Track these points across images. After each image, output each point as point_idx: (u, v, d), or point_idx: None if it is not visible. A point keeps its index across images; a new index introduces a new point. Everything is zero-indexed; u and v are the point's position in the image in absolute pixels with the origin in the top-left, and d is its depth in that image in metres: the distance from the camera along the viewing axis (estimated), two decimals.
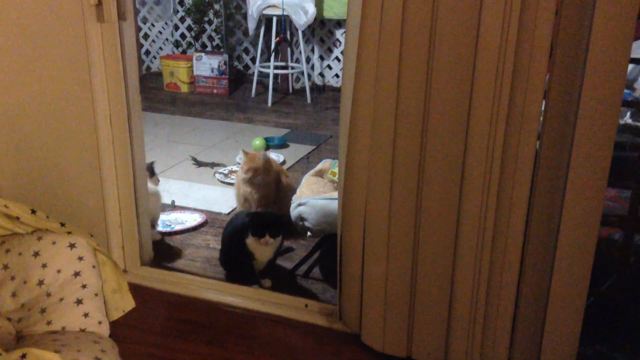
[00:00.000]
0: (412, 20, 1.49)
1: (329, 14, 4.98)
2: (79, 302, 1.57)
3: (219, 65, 5.13)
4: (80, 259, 1.62)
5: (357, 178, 1.70)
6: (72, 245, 1.62)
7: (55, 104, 2.05)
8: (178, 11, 5.68)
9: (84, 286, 1.60)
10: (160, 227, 2.67)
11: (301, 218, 2.56)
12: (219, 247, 2.46)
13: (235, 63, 5.63)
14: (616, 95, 1.41)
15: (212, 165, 3.52)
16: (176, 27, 5.75)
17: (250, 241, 2.16)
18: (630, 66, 2.46)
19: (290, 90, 5.26)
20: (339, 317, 1.96)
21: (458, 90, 1.51)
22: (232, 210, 2.88)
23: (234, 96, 5.20)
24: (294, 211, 2.58)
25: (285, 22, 4.75)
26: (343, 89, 1.69)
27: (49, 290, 1.56)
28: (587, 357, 1.73)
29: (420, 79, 1.53)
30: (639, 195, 1.78)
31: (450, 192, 1.60)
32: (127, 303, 1.81)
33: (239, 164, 3.50)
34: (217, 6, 5.47)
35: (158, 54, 5.77)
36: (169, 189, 3.13)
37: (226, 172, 3.37)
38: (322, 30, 5.27)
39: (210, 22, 5.58)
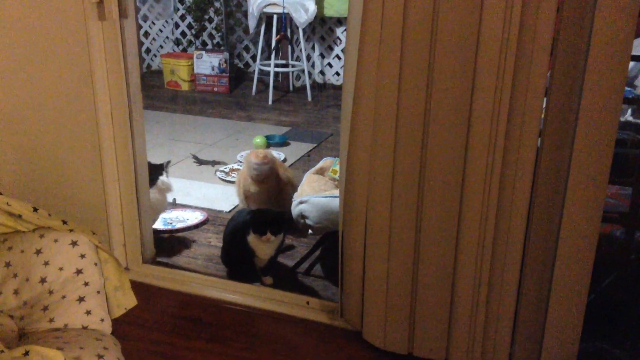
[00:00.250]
0: (413, 17, 1.49)
1: (329, 11, 4.98)
2: (81, 299, 1.57)
3: (219, 64, 5.13)
4: (82, 256, 1.63)
5: (358, 176, 1.70)
6: (74, 243, 1.62)
7: (57, 102, 2.05)
8: (178, 9, 5.68)
9: (86, 284, 1.61)
10: (161, 225, 2.67)
11: (302, 216, 2.56)
12: (221, 244, 2.47)
13: (236, 61, 5.63)
14: (617, 92, 1.41)
15: (213, 163, 3.52)
16: (177, 25, 5.75)
17: (252, 238, 2.17)
18: (631, 64, 2.46)
19: (291, 88, 5.26)
20: (341, 314, 1.96)
21: (459, 88, 1.51)
22: (234, 208, 2.88)
23: (235, 94, 5.20)
24: (295, 209, 2.58)
25: (285, 20, 4.75)
26: (344, 86, 1.69)
27: (51, 287, 1.56)
28: (588, 354, 1.73)
29: (422, 76, 1.53)
30: None
31: (451, 190, 1.61)
32: (129, 300, 1.81)
33: (240, 162, 3.51)
34: (217, 4, 5.47)
35: (158, 52, 5.77)
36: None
37: (227, 170, 3.37)
38: (322, 28, 5.26)
39: (210, 20, 5.58)
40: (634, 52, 1.42)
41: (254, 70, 5.13)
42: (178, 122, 4.40)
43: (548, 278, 1.59)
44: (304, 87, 5.07)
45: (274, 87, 4.88)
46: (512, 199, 1.57)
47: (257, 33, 5.05)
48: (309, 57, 5.25)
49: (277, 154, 3.60)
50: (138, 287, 1.93)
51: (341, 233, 1.84)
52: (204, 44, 5.64)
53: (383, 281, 1.75)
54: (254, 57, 5.48)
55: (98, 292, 1.64)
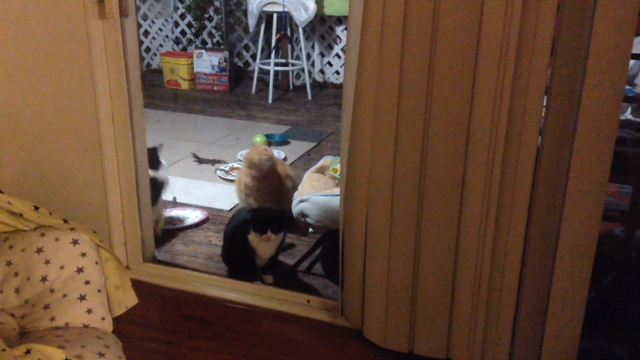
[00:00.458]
0: (414, 16, 1.49)
1: (329, 10, 4.98)
2: (82, 298, 1.58)
3: (219, 62, 5.13)
4: (83, 255, 1.63)
5: (359, 174, 1.70)
6: (75, 242, 1.63)
7: (58, 101, 2.05)
8: (178, 8, 5.68)
9: (87, 282, 1.61)
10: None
11: (303, 214, 2.56)
12: (221, 243, 2.47)
13: (236, 60, 5.63)
14: (617, 91, 1.41)
15: (213, 162, 3.52)
16: (176, 24, 5.74)
17: (252, 237, 2.17)
18: (631, 62, 2.46)
19: (291, 87, 5.26)
20: (341, 313, 1.97)
21: (460, 86, 1.52)
22: (234, 207, 2.88)
23: (235, 93, 5.20)
24: (296, 208, 2.58)
25: (285, 18, 4.75)
26: (345, 85, 1.69)
27: (52, 286, 1.56)
28: (588, 352, 1.73)
29: (422, 75, 1.53)
30: None
31: (452, 188, 1.61)
32: (129, 299, 1.81)
33: (240, 160, 3.51)
34: (217, 3, 5.46)
35: (158, 51, 5.77)
36: (170, 185, 3.13)
37: (227, 168, 3.37)
38: (322, 26, 5.26)
39: (210, 19, 5.57)
40: (634, 51, 1.42)
41: (254, 69, 5.13)
42: (178, 121, 4.40)
43: (548, 276, 1.59)
44: (303, 86, 5.08)
45: (274, 86, 4.89)
46: (512, 197, 1.57)
47: (257, 32, 5.05)
48: (308, 56, 5.25)
49: (278, 152, 3.60)
50: (139, 286, 1.93)
51: (342, 231, 1.84)
52: (204, 42, 5.64)
53: (383, 279, 1.75)
54: (253, 56, 5.48)
55: (99, 290, 1.64)
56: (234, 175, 3.26)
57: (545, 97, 1.50)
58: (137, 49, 2.07)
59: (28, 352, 1.22)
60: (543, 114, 1.51)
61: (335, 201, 2.39)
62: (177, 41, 5.78)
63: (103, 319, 1.61)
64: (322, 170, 2.90)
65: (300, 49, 5.01)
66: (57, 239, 1.59)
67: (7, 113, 2.10)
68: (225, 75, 5.16)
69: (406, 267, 1.72)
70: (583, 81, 1.41)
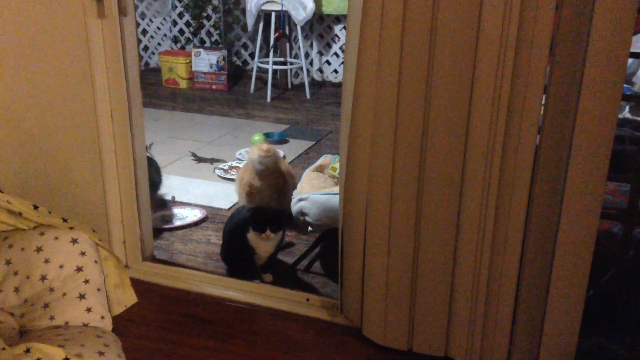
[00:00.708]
0: (413, 15, 1.49)
1: (327, 9, 4.98)
2: (81, 297, 1.57)
3: (217, 61, 5.13)
4: (83, 254, 1.63)
5: (358, 172, 1.70)
6: (74, 241, 1.63)
7: (57, 100, 2.05)
8: (176, 7, 5.67)
9: (86, 281, 1.61)
10: (160, 223, 2.68)
11: (302, 213, 2.57)
12: (220, 242, 2.47)
13: (234, 59, 5.63)
14: (616, 89, 1.41)
15: (212, 160, 3.52)
16: (174, 23, 5.74)
17: (252, 236, 2.17)
18: (629, 60, 2.47)
19: (289, 85, 5.25)
20: (340, 311, 1.97)
21: (459, 84, 1.52)
22: (233, 206, 2.88)
23: (233, 92, 5.20)
24: (295, 206, 2.59)
25: (284, 17, 4.75)
26: (344, 83, 1.69)
27: (51, 285, 1.56)
28: (587, 350, 1.74)
29: (422, 73, 1.54)
30: (639, 189, 1.79)
31: (451, 187, 1.61)
32: (129, 298, 1.81)
33: (239, 159, 3.51)
34: (215, 2, 5.46)
35: (156, 49, 5.77)
36: (169, 184, 3.14)
37: (226, 167, 3.37)
38: (320, 25, 5.26)
39: (208, 18, 5.57)
40: (633, 49, 1.43)
41: (252, 68, 5.13)
42: (176, 119, 4.40)
43: (547, 274, 1.60)
44: (302, 85, 5.07)
45: (273, 85, 4.88)
46: (511, 195, 1.57)
47: (256, 30, 5.04)
48: (307, 55, 5.25)
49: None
50: (138, 285, 1.93)
51: (341, 230, 1.84)
52: (202, 41, 5.64)
53: (383, 278, 1.75)
54: (252, 55, 5.48)
55: (98, 289, 1.64)
56: (232, 174, 3.26)
57: (544, 96, 1.50)
58: (136, 48, 2.07)
59: (28, 351, 1.22)
60: (542, 112, 1.51)
61: (335, 200, 2.40)
62: (175, 40, 5.77)
63: (102, 317, 1.61)
64: (321, 169, 2.91)
65: (299, 48, 5.01)
66: (56, 238, 1.59)
67: (6, 112, 2.10)
68: (223, 74, 5.16)
69: (405, 266, 1.72)
70: (582, 79, 1.41)
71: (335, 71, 5.36)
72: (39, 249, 1.56)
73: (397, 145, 1.62)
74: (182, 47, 5.71)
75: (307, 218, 2.57)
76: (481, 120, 1.53)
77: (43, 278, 1.55)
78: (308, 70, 5.15)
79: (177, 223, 2.69)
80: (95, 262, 1.66)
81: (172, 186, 3.11)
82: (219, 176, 3.28)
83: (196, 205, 2.88)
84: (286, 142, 3.89)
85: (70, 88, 2.02)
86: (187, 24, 5.66)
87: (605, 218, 1.84)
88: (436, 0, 1.46)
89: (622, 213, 1.85)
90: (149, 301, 2.03)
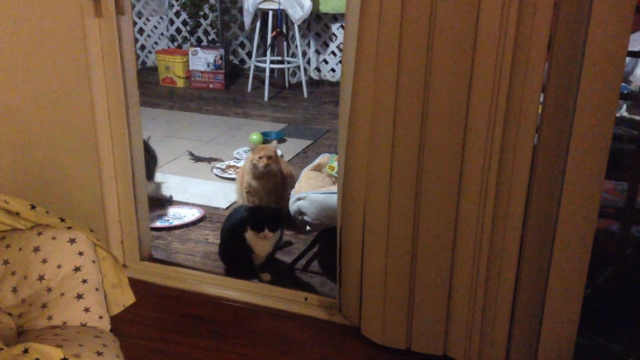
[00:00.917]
0: (411, 13, 1.49)
1: (325, 8, 4.98)
2: (79, 297, 1.57)
3: (214, 60, 5.12)
4: (81, 254, 1.62)
5: (356, 171, 1.70)
6: (72, 241, 1.62)
7: (54, 99, 2.04)
8: (173, 5, 5.66)
9: (84, 281, 1.60)
10: (158, 222, 2.67)
11: (300, 212, 2.57)
12: (218, 241, 2.47)
13: (231, 57, 5.62)
14: (614, 88, 1.41)
15: (210, 160, 3.52)
16: (171, 22, 5.73)
17: (250, 235, 2.17)
18: (626, 59, 2.48)
19: (287, 84, 5.25)
20: (339, 310, 1.97)
21: (457, 83, 1.52)
22: (231, 205, 2.88)
23: (230, 91, 5.19)
24: (293, 205, 2.59)
25: (281, 16, 4.74)
26: (342, 82, 1.69)
27: (49, 285, 1.56)
28: (585, 348, 1.74)
29: (420, 71, 1.54)
30: (636, 188, 1.79)
31: (449, 186, 1.61)
32: (127, 298, 1.81)
33: (237, 158, 3.51)
34: (212, 0, 5.45)
35: (153, 48, 5.76)
36: (166, 184, 3.13)
37: (224, 167, 3.37)
38: (318, 24, 5.26)
39: (205, 17, 5.56)
40: (630, 48, 1.43)
41: (250, 67, 5.12)
42: (174, 119, 4.39)
43: (545, 273, 1.60)
44: (299, 84, 5.07)
45: (270, 84, 4.88)
46: (509, 194, 1.57)
47: (253, 29, 5.04)
48: (304, 54, 5.24)
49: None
50: (136, 285, 1.92)
51: (339, 229, 1.84)
52: (199, 40, 5.63)
53: (381, 277, 1.75)
54: (249, 54, 5.47)
55: (96, 289, 1.64)
56: (230, 173, 3.26)
57: (542, 94, 1.50)
58: (134, 47, 2.06)
59: (26, 351, 1.22)
60: (540, 111, 1.52)
61: (333, 199, 2.40)
62: (172, 39, 5.76)
63: (101, 317, 1.61)
64: (319, 168, 2.91)
65: (296, 47, 5.01)
66: (54, 238, 1.59)
67: (3, 111, 2.09)
68: (220, 73, 5.15)
69: (404, 265, 1.72)
70: (579, 78, 1.41)
71: (333, 70, 5.36)
72: (36, 249, 1.56)
73: (396, 144, 1.62)
74: (179, 46, 5.70)
75: (305, 217, 2.57)
76: (479, 119, 1.53)
77: (41, 278, 1.54)
78: (305, 69, 5.15)
79: (175, 222, 2.68)
80: (93, 261, 1.65)
81: (169, 185, 3.10)
82: (216, 175, 3.28)
83: (194, 205, 2.87)
84: (284, 141, 3.89)
85: (68, 87, 2.01)
86: (184, 23, 5.65)
87: (602, 217, 1.84)
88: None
89: (619, 212, 1.85)
90: (147, 301, 2.03)
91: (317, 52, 5.35)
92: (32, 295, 1.53)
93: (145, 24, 5.69)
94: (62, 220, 1.61)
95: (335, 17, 5.17)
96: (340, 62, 5.29)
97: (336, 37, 5.25)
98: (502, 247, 1.62)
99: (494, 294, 1.67)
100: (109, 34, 1.96)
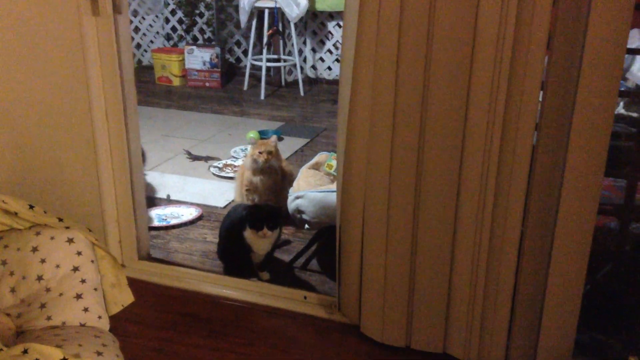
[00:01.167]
0: (410, 11, 1.49)
1: (321, 6, 4.97)
2: (78, 296, 1.57)
3: (210, 59, 5.11)
4: (79, 253, 1.62)
5: (356, 169, 1.70)
6: (70, 240, 1.62)
7: (51, 99, 2.03)
8: (169, 4, 5.64)
9: (83, 281, 1.60)
10: (156, 221, 2.66)
11: (299, 211, 2.57)
12: (216, 240, 2.46)
13: (227, 56, 5.60)
14: (613, 85, 1.41)
15: (207, 159, 3.51)
16: (167, 20, 5.71)
17: (248, 234, 2.16)
18: None
19: (283, 83, 5.24)
20: (338, 308, 1.97)
21: (456, 81, 1.52)
22: (228, 204, 2.87)
23: (227, 89, 5.18)
24: (292, 204, 2.59)
25: (277, 14, 4.73)
26: (341, 80, 1.69)
27: (48, 285, 1.55)
28: (584, 344, 1.75)
29: (419, 70, 1.53)
30: (635, 185, 1.80)
31: (449, 183, 1.61)
32: (126, 297, 1.81)
33: (234, 157, 3.50)
34: None
35: (149, 47, 5.74)
36: (164, 183, 3.12)
37: (221, 165, 3.36)
38: (314, 22, 5.25)
39: (201, 15, 5.54)
40: (628, 45, 1.43)
41: (246, 65, 5.11)
42: (170, 117, 4.38)
43: (544, 270, 1.60)
44: (296, 82, 5.06)
45: (266, 82, 4.87)
46: (508, 191, 1.57)
47: (249, 28, 5.02)
48: (300, 52, 5.24)
49: None
50: (134, 284, 1.92)
51: (339, 227, 1.84)
52: (195, 39, 5.61)
53: (381, 275, 1.75)
54: (245, 52, 5.45)
55: (95, 289, 1.63)
56: (227, 172, 3.25)
57: (541, 92, 1.50)
58: (130, 46, 2.05)
59: (25, 351, 1.22)
60: (539, 109, 1.52)
61: (331, 197, 2.40)
62: (168, 37, 5.74)
63: (100, 317, 1.61)
64: (317, 167, 2.90)
65: (292, 45, 5.00)
66: (52, 238, 1.58)
67: (1, 111, 2.08)
68: (216, 72, 5.14)
69: (403, 262, 1.72)
70: (579, 76, 1.41)
71: (329, 68, 5.35)
72: (35, 249, 1.55)
73: (395, 142, 1.62)
74: (175, 45, 5.68)
75: (304, 216, 2.56)
76: (478, 116, 1.53)
77: (39, 278, 1.54)
78: (302, 68, 5.14)
79: (173, 222, 2.67)
80: (92, 261, 1.65)
81: (167, 184, 3.09)
82: (214, 174, 3.27)
83: (191, 204, 2.86)
84: (281, 139, 3.88)
85: (65, 86, 2.00)
86: (180, 21, 5.63)
87: (601, 214, 1.85)
88: None
89: (618, 209, 1.86)
90: (145, 300, 2.02)
91: (314, 50, 5.34)
92: (30, 295, 1.52)
93: (140, 23, 5.67)
94: (60, 220, 1.61)
95: (331, 15, 5.17)
96: (336, 60, 5.28)
97: (332, 35, 5.24)
98: (501, 244, 1.62)
99: (494, 291, 1.67)
100: (107, 33, 1.95)
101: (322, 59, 5.37)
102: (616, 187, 2.06)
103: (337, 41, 5.23)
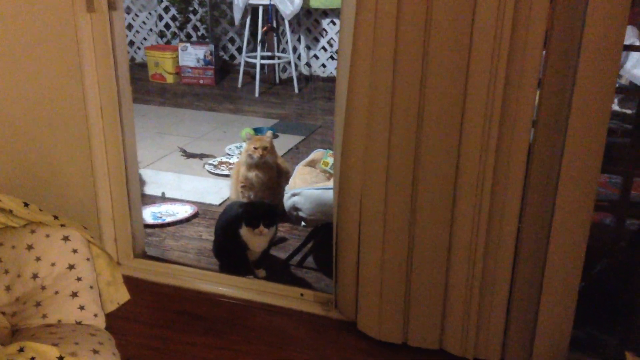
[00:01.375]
0: (407, 9, 1.49)
1: (315, 3, 4.96)
2: (74, 295, 1.56)
3: (204, 56, 5.09)
4: (74, 251, 1.61)
5: (353, 167, 1.70)
6: (65, 238, 1.60)
7: (46, 96, 2.01)
8: (162, 1, 5.61)
9: (78, 279, 1.59)
10: (151, 219, 2.65)
11: (295, 208, 2.56)
12: (212, 238, 2.46)
13: (221, 53, 5.58)
14: (609, 83, 1.42)
15: (201, 156, 3.50)
16: (160, 17, 5.68)
17: (244, 231, 2.16)
18: None
19: (277, 80, 5.23)
20: (335, 306, 1.97)
21: (453, 79, 1.52)
22: (224, 201, 2.87)
23: (221, 86, 5.17)
24: (288, 201, 2.58)
25: (271, 11, 4.72)
26: (338, 77, 1.69)
27: (43, 283, 1.54)
28: (579, 340, 1.76)
29: (416, 68, 1.53)
30: (630, 181, 1.81)
31: (445, 180, 1.61)
32: (121, 295, 1.79)
33: (229, 154, 3.49)
34: None
35: (142, 44, 5.71)
36: (158, 180, 3.11)
37: (216, 163, 3.35)
38: (308, 19, 5.24)
39: (195, 12, 5.52)
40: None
41: (240, 63, 5.09)
42: (164, 115, 4.36)
43: (541, 266, 1.61)
44: (290, 79, 5.05)
45: (260, 80, 4.86)
46: (505, 188, 1.58)
47: (243, 25, 5.01)
48: (295, 49, 5.22)
49: None
50: (130, 282, 1.91)
51: (335, 224, 1.84)
52: (189, 36, 5.59)
53: (377, 272, 1.75)
54: (239, 49, 5.44)
55: (91, 287, 1.62)
56: (222, 170, 3.24)
57: (538, 90, 1.50)
58: (125, 43, 2.04)
59: (21, 350, 1.21)
60: (536, 106, 1.52)
61: (328, 194, 2.39)
62: (161, 34, 5.71)
63: (96, 315, 1.59)
64: (313, 164, 2.90)
65: (287, 42, 4.99)
66: (47, 236, 1.57)
67: None
68: (210, 69, 5.12)
69: (400, 259, 1.72)
70: (575, 73, 1.42)
71: (323, 65, 5.35)
72: (30, 247, 1.54)
73: (392, 140, 1.62)
74: (168, 42, 5.65)
75: (300, 213, 2.56)
76: (476, 114, 1.53)
77: (34, 276, 1.53)
78: (296, 65, 5.13)
79: (168, 219, 2.66)
80: (87, 259, 1.64)
81: (161, 182, 3.08)
82: (209, 172, 3.26)
83: (187, 201, 2.85)
84: (276, 137, 3.87)
85: (60, 84, 1.99)
86: (173, 18, 5.60)
87: (597, 210, 1.85)
88: None
89: (613, 205, 1.87)
90: (141, 298, 2.01)
91: (308, 47, 5.34)
92: (26, 293, 1.51)
93: (134, 20, 5.64)
94: (56, 217, 1.60)
95: (325, 13, 5.16)
96: (331, 57, 5.28)
97: (327, 32, 5.24)
98: (498, 241, 1.63)
99: (490, 288, 1.68)
100: (101, 29, 1.93)
101: (316, 56, 5.36)
102: (610, 184, 2.07)
103: (332, 38, 5.23)
